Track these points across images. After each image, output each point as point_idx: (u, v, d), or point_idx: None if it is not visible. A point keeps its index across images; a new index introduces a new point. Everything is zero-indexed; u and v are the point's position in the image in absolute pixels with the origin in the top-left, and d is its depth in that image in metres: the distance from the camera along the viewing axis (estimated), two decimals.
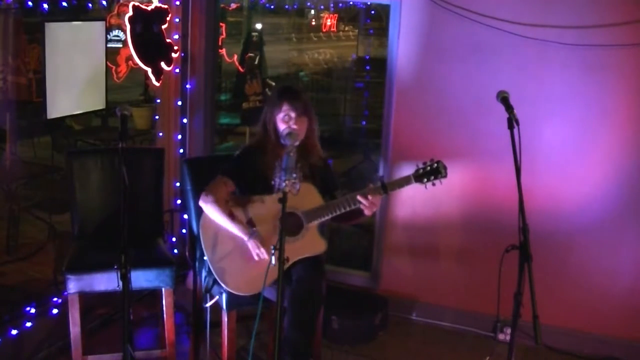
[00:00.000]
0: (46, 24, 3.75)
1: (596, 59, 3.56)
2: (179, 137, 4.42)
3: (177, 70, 4.32)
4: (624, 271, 3.72)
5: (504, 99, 2.63)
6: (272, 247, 2.49)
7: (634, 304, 3.72)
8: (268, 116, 3.12)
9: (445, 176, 2.97)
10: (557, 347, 3.83)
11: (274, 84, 7.94)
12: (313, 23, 15.05)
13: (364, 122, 7.98)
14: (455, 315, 4.06)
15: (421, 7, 3.82)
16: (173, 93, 4.36)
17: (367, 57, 8.93)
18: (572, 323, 3.83)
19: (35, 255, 4.51)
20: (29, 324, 3.36)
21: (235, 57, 7.01)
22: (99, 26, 4.26)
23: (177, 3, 4.25)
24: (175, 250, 4.42)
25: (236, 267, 3.00)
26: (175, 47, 4.20)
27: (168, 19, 4.11)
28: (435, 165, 2.96)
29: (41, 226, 4.87)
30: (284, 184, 2.45)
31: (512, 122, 2.52)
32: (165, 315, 3.25)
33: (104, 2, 4.72)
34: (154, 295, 3.59)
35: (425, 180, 2.96)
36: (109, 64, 4.40)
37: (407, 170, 3.03)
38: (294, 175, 2.46)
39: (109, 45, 4.42)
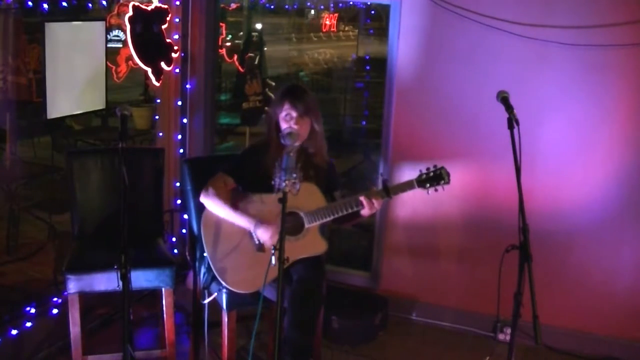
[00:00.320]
0: (46, 24, 3.75)
1: (596, 59, 3.56)
2: (179, 137, 4.42)
3: (177, 70, 4.32)
4: (624, 271, 3.72)
5: (504, 99, 2.63)
6: (272, 246, 2.49)
7: (634, 304, 3.72)
8: (272, 114, 3.12)
9: (447, 182, 2.97)
10: (557, 347, 3.83)
11: (274, 84, 7.95)
12: (314, 22, 15.06)
13: (364, 122, 7.99)
14: (455, 315, 4.06)
15: (421, 7, 3.82)
16: (173, 93, 4.36)
17: (367, 57, 8.94)
18: (572, 323, 3.83)
19: (35, 255, 4.51)
20: (29, 324, 3.36)
21: (235, 57, 7.01)
22: (99, 26, 4.26)
23: (177, 3, 4.25)
24: (175, 250, 4.42)
25: (236, 264, 3.00)
26: (175, 47, 4.20)
27: (168, 19, 4.11)
28: (439, 171, 2.96)
29: (41, 226, 4.87)
30: (283, 184, 2.45)
31: (512, 122, 2.52)
32: (165, 315, 3.25)
33: (104, 2, 4.72)
34: (154, 295, 3.59)
35: (428, 185, 2.96)
36: (109, 64, 4.40)
37: (407, 170, 3.04)
38: (294, 175, 2.46)
39: (109, 45, 4.42)
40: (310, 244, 3.01)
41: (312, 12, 15.41)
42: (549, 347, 3.82)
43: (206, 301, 3.12)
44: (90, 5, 4.44)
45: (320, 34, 14.44)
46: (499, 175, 3.73)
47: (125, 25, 3.90)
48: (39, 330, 3.42)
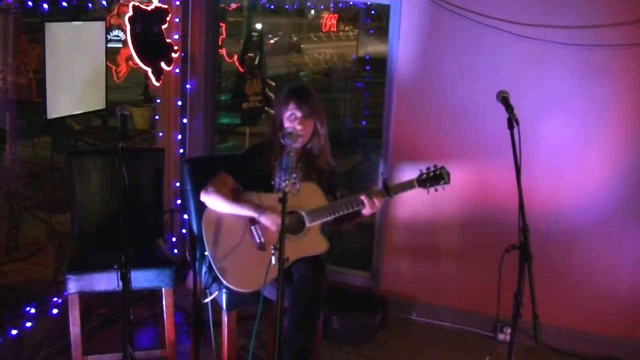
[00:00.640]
0: (46, 24, 3.75)
1: (596, 59, 3.56)
2: (179, 137, 4.42)
3: (177, 70, 4.32)
4: (624, 271, 3.72)
5: (504, 99, 2.63)
6: (272, 246, 2.49)
7: (634, 304, 3.72)
8: (276, 114, 3.13)
9: (448, 182, 2.97)
10: (557, 347, 3.83)
11: (274, 84, 7.95)
12: (314, 22, 15.07)
13: (364, 122, 7.99)
14: (455, 315, 4.06)
15: (421, 7, 3.82)
16: (173, 93, 4.36)
17: (367, 57, 8.94)
18: (572, 323, 3.83)
19: (35, 255, 4.51)
20: (29, 324, 3.36)
21: (235, 57, 7.01)
22: (99, 26, 4.26)
23: (177, 3, 4.25)
24: (175, 250, 4.42)
25: (237, 263, 3.00)
26: (175, 47, 4.20)
27: (168, 19, 4.11)
28: (439, 171, 2.97)
29: (41, 226, 4.87)
30: (283, 184, 2.45)
31: (512, 122, 2.52)
32: (165, 315, 3.25)
33: (104, 2, 4.73)
34: (154, 295, 3.59)
35: (429, 185, 2.97)
36: (109, 64, 4.41)
37: (407, 170, 3.04)
38: (294, 175, 2.46)
39: (109, 45, 4.42)
40: (311, 243, 3.01)
41: (312, 12, 15.42)
42: (549, 347, 3.82)
43: (207, 300, 3.12)
44: (90, 5, 4.45)
45: (320, 34, 14.45)
46: (499, 175, 3.73)
47: (125, 25, 3.90)
48: (39, 330, 3.42)
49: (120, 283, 2.52)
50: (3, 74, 4.03)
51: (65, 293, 3.08)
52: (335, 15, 14.52)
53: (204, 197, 3.06)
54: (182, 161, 3.64)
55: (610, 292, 3.75)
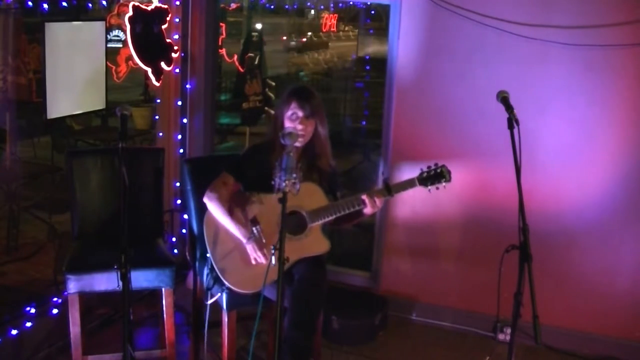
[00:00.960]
0: (46, 24, 3.75)
1: (596, 59, 3.56)
2: (179, 137, 4.42)
3: (177, 70, 4.32)
4: (624, 271, 3.72)
5: (504, 99, 2.63)
6: (272, 246, 2.49)
7: (634, 304, 3.72)
8: (278, 113, 3.13)
9: (449, 181, 2.97)
10: (557, 347, 3.83)
11: (274, 84, 7.95)
12: (314, 22, 15.07)
13: (364, 122, 7.99)
14: (455, 315, 4.06)
15: (421, 7, 3.82)
16: (173, 93, 4.36)
17: (367, 57, 8.95)
18: (572, 323, 3.83)
19: (35, 255, 4.51)
20: (29, 324, 3.36)
21: (235, 57, 7.01)
22: (99, 26, 4.27)
23: (177, 3, 4.25)
24: (175, 250, 4.42)
25: (238, 264, 3.00)
26: (175, 47, 4.20)
27: (168, 19, 4.11)
28: (440, 169, 2.97)
29: (41, 226, 4.87)
30: (283, 184, 2.45)
31: (512, 122, 2.52)
32: (165, 315, 3.25)
33: (104, 2, 4.73)
34: (154, 295, 3.59)
35: (429, 184, 2.97)
36: (109, 64, 4.40)
37: (408, 170, 3.04)
38: (294, 175, 2.46)
39: (109, 45, 4.42)
40: (312, 243, 3.02)
41: (312, 12, 15.42)
42: (549, 347, 3.82)
43: (209, 302, 3.13)
44: (90, 5, 4.45)
45: (320, 34, 14.44)
46: (499, 175, 3.73)
47: (125, 25, 3.90)
48: (39, 330, 3.42)
49: (120, 283, 2.51)
50: (3, 74, 4.03)
51: (65, 293, 3.08)
52: (335, 15, 14.52)
53: (207, 201, 3.06)
54: (182, 161, 3.64)
55: (610, 292, 3.75)
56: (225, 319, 3.07)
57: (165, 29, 4.11)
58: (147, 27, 3.99)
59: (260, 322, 2.72)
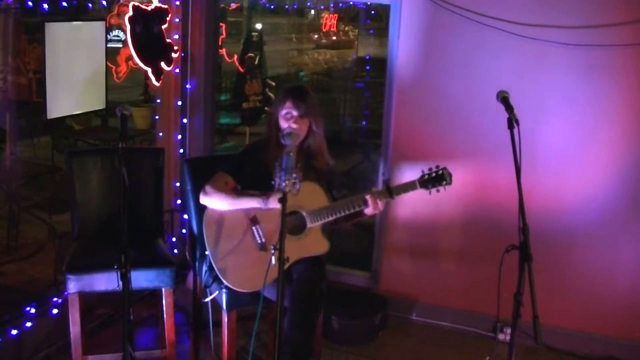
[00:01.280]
0: (46, 24, 3.76)
1: (596, 59, 3.56)
2: (179, 137, 4.42)
3: (177, 70, 4.32)
4: (624, 271, 3.72)
5: (504, 99, 2.63)
6: (272, 246, 2.49)
7: (634, 304, 3.72)
8: (273, 112, 3.13)
9: (450, 183, 2.96)
10: (557, 347, 3.83)
11: (274, 84, 7.95)
12: (314, 22, 15.09)
13: (364, 122, 7.99)
14: (455, 315, 4.06)
15: (421, 7, 3.82)
16: (173, 93, 4.36)
17: (367, 57, 8.95)
18: (572, 323, 3.83)
19: (35, 255, 4.51)
20: (29, 324, 3.36)
21: (235, 57, 7.01)
22: (99, 26, 4.27)
23: (177, 3, 4.25)
24: (175, 250, 4.42)
25: (237, 263, 3.00)
26: (175, 47, 4.20)
27: (168, 19, 4.11)
28: (441, 172, 2.96)
29: (41, 226, 4.87)
30: (283, 184, 2.44)
31: (512, 122, 2.51)
32: (165, 315, 3.25)
33: (104, 2, 4.73)
34: (154, 295, 3.59)
35: (430, 186, 2.96)
36: (109, 64, 4.41)
37: (408, 170, 3.04)
38: (294, 175, 2.46)
39: (109, 45, 4.43)
40: (312, 243, 3.01)
41: (312, 12, 15.42)
42: (549, 347, 3.82)
43: (207, 299, 3.13)
44: (90, 5, 4.45)
45: (320, 34, 14.43)
46: (499, 175, 3.73)
47: (125, 25, 3.90)
48: (39, 330, 3.42)
49: (120, 283, 2.51)
50: (3, 74, 4.03)
51: (65, 293, 3.08)
52: (335, 15, 14.51)
53: (204, 199, 3.06)
54: (182, 161, 3.64)
55: (610, 292, 3.75)
56: (225, 318, 3.07)
57: (165, 29, 4.11)
58: (147, 27, 3.99)
59: (260, 322, 2.72)
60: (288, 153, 2.55)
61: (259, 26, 8.58)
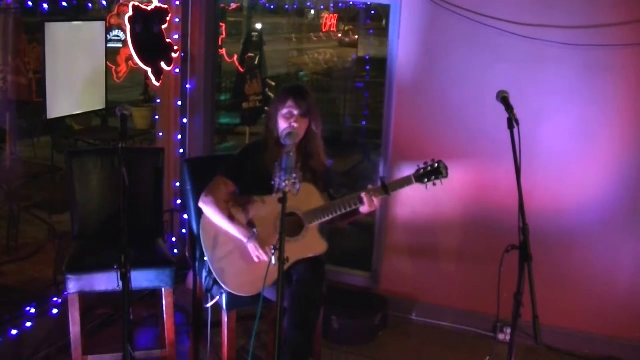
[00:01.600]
0: (46, 24, 3.75)
1: (596, 59, 3.56)
2: (179, 137, 4.42)
3: (177, 70, 4.32)
4: (624, 271, 3.72)
5: (504, 99, 2.63)
6: (272, 247, 2.49)
7: (634, 304, 3.72)
8: (272, 112, 3.13)
9: (446, 176, 2.96)
10: (557, 347, 3.83)
11: (274, 84, 7.95)
12: (314, 22, 15.10)
13: (364, 122, 7.99)
14: (455, 315, 4.06)
15: (421, 7, 3.82)
16: (173, 93, 4.36)
17: (367, 57, 8.94)
18: (572, 323, 3.83)
19: (35, 255, 4.51)
20: (29, 324, 3.36)
21: (235, 57, 7.01)
22: (99, 26, 4.27)
23: (177, 3, 4.25)
24: (175, 250, 4.42)
25: (236, 267, 3.00)
26: (175, 47, 4.20)
27: (168, 19, 4.11)
28: (436, 165, 2.95)
29: (41, 226, 4.87)
30: (283, 184, 2.44)
31: (512, 122, 2.52)
32: (165, 315, 3.25)
33: (104, 2, 4.73)
34: (154, 295, 3.59)
35: (426, 180, 2.96)
36: (109, 64, 4.40)
37: (408, 170, 3.03)
38: (294, 175, 2.46)
39: (109, 45, 4.42)
40: (310, 244, 3.01)
41: (312, 12, 15.42)
42: (549, 347, 3.82)
43: (209, 305, 3.13)
44: (90, 5, 4.45)
45: (320, 34, 14.44)
46: (499, 175, 3.73)
47: (125, 25, 3.90)
48: (39, 330, 3.42)
49: (120, 283, 2.51)
50: (3, 74, 4.03)
51: (65, 293, 3.08)
52: (335, 15, 14.51)
53: (202, 206, 3.06)
54: (182, 161, 3.64)
55: (610, 292, 3.75)
56: (225, 319, 3.07)
57: (165, 29, 4.11)
58: (147, 27, 3.99)
59: (260, 322, 2.72)
60: (288, 153, 2.54)
61: (259, 26, 8.58)
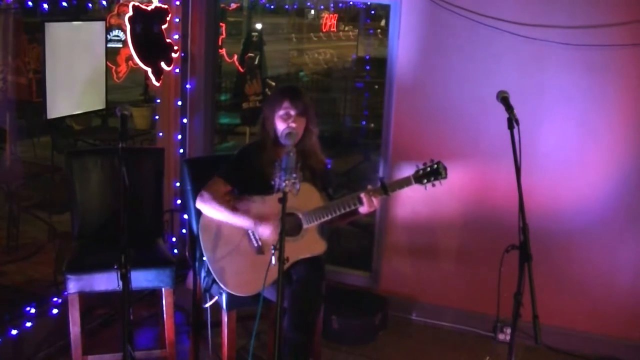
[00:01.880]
0: (46, 24, 3.75)
1: (596, 59, 3.56)
2: (179, 137, 4.42)
3: (177, 70, 4.32)
4: (624, 271, 3.72)
5: (504, 99, 2.63)
6: (272, 247, 2.49)
7: (634, 305, 3.72)
8: (268, 114, 3.12)
9: (445, 177, 2.96)
10: (557, 347, 3.83)
11: (274, 84, 7.95)
12: (314, 22, 15.09)
13: (364, 122, 7.99)
14: (455, 315, 4.06)
15: (421, 7, 3.82)
16: (173, 93, 4.36)
17: (367, 57, 8.94)
18: (572, 323, 3.83)
19: (35, 255, 4.51)
20: (29, 324, 3.36)
21: (235, 57, 7.01)
22: (99, 26, 4.27)
23: (177, 3, 4.25)
24: (175, 250, 4.42)
25: (236, 267, 3.00)
26: (175, 47, 4.20)
27: (168, 19, 4.11)
28: (435, 166, 2.95)
29: (41, 226, 4.87)
30: (284, 184, 2.44)
31: (512, 122, 2.52)
32: (165, 315, 3.25)
33: (104, 2, 4.72)
34: (154, 295, 3.59)
35: (425, 181, 2.96)
36: (109, 64, 4.40)
37: (407, 170, 3.03)
38: (294, 175, 2.46)
39: (109, 45, 4.42)
40: (309, 244, 3.01)
41: (312, 12, 15.43)
42: (549, 347, 3.82)
43: (207, 305, 3.13)
44: (90, 5, 4.45)
45: (320, 34, 14.45)
46: (499, 175, 3.73)
47: (125, 25, 3.90)
48: (39, 330, 3.42)
49: (120, 283, 2.51)
50: (3, 74, 4.03)
51: (65, 293, 3.08)
52: (335, 15, 14.52)
53: (200, 205, 3.06)
54: (182, 161, 3.64)
55: (610, 292, 3.75)
56: (225, 319, 3.07)
57: (165, 29, 4.11)
58: (147, 27, 3.99)
59: (260, 322, 2.71)
60: (288, 153, 2.55)
61: (259, 26, 8.57)
